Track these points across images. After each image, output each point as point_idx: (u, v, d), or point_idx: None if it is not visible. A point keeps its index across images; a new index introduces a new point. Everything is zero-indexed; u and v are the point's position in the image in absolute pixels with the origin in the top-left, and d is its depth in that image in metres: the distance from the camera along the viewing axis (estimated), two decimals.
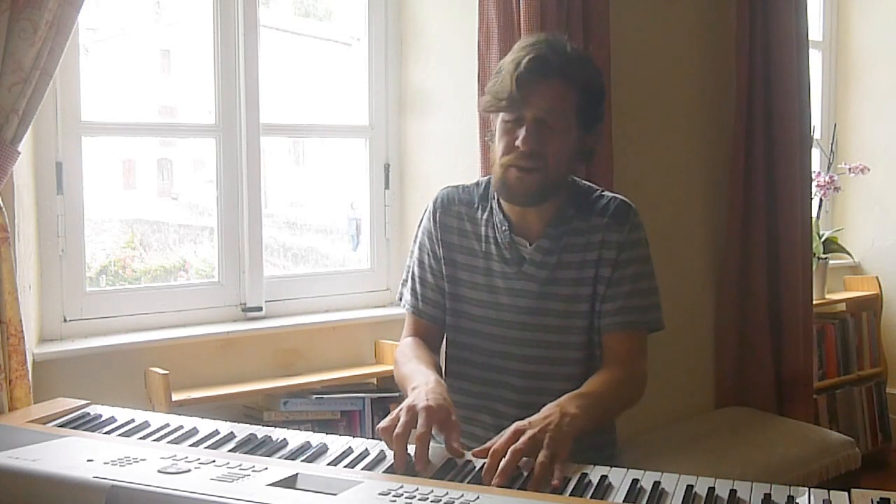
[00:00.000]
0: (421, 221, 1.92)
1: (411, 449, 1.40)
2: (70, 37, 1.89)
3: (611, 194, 1.83)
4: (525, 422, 1.46)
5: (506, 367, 1.82)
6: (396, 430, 1.41)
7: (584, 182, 1.88)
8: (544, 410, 1.50)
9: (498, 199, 1.82)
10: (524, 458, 1.39)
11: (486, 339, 1.84)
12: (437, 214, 1.88)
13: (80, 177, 2.31)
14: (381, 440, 1.47)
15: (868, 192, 4.23)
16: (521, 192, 1.72)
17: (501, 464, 1.35)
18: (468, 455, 1.45)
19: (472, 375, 1.86)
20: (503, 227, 1.80)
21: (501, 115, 1.72)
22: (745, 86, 3.24)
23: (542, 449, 1.38)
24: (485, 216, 1.84)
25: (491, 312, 1.82)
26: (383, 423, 1.45)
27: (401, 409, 1.46)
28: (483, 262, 1.83)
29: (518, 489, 1.33)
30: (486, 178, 1.89)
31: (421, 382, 1.58)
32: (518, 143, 1.68)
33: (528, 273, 1.79)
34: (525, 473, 1.38)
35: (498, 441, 1.42)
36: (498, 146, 1.73)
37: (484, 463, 1.40)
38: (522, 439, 1.40)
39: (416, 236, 1.93)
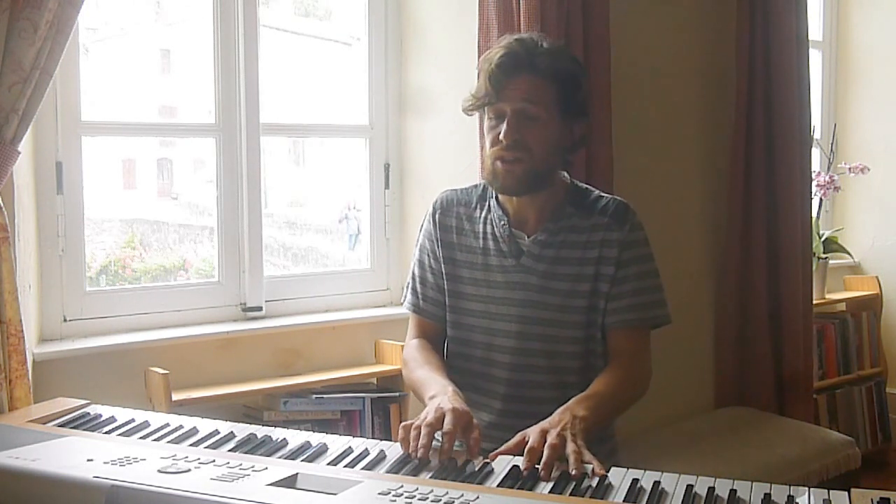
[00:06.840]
0: (422, 225, 1.98)
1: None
2: (70, 37, 1.89)
3: (609, 195, 1.89)
4: (543, 423, 1.52)
5: (503, 360, 1.85)
6: (427, 421, 1.48)
7: (582, 184, 1.94)
8: (556, 415, 1.56)
9: (496, 196, 1.87)
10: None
11: (484, 333, 1.87)
12: (437, 216, 1.94)
13: (80, 177, 2.31)
14: (381, 440, 1.52)
15: (868, 192, 4.22)
16: (510, 183, 1.78)
17: (544, 459, 1.40)
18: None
19: (470, 370, 1.89)
20: (502, 222, 1.85)
21: (487, 113, 1.79)
22: (744, 86, 3.23)
23: (569, 442, 1.45)
24: (483, 214, 1.89)
25: (490, 307, 1.86)
26: (407, 422, 1.51)
27: (427, 411, 1.54)
28: (482, 258, 1.87)
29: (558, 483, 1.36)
30: (483, 180, 1.93)
31: (440, 391, 1.65)
32: (501, 136, 1.75)
33: (526, 265, 1.83)
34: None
35: (531, 440, 1.47)
36: (486, 142, 1.81)
37: (482, 464, 1.43)
38: (553, 435, 1.46)
39: (418, 240, 1.98)
